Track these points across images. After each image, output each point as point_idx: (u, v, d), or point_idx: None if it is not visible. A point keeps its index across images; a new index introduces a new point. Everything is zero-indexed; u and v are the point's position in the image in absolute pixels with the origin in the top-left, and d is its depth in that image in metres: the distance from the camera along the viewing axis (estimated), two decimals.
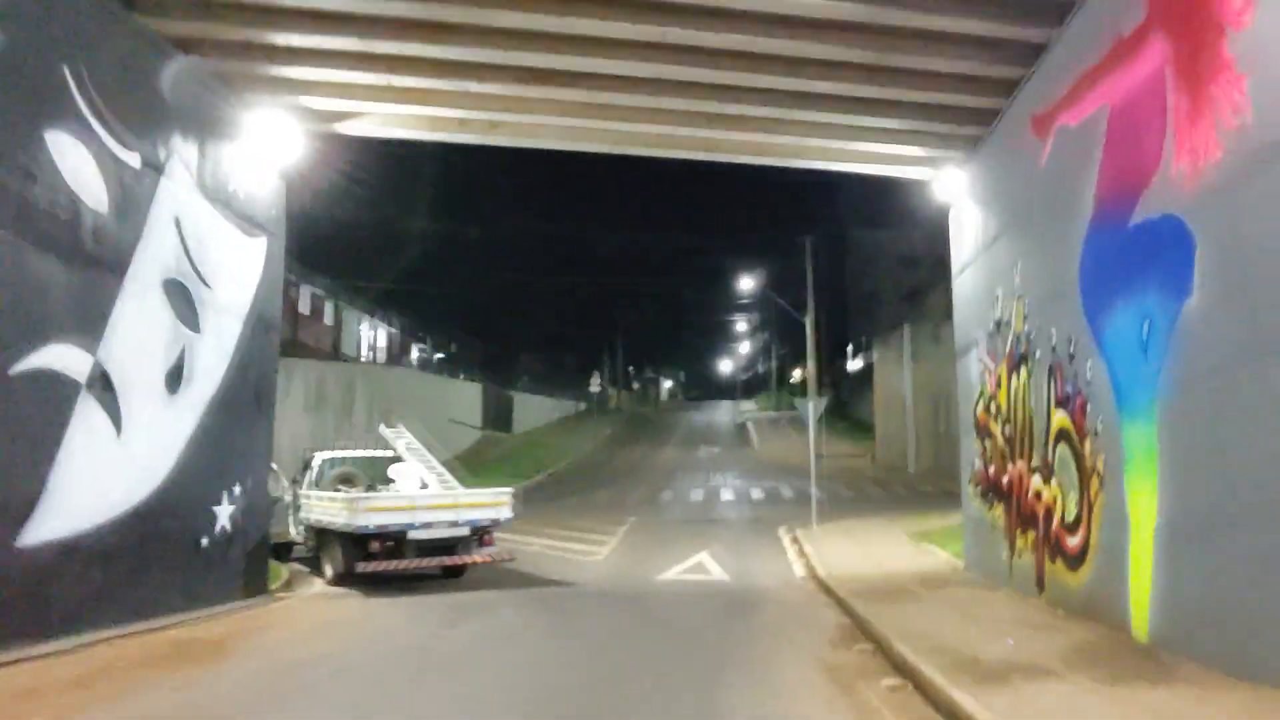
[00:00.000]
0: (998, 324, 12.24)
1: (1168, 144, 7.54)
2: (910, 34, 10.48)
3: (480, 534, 13.58)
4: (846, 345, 61.34)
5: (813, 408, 19.49)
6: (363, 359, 38.27)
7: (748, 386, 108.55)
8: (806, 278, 38.95)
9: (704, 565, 15.43)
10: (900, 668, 7.40)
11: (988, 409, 12.80)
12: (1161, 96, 7.64)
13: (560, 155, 15.90)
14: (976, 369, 13.25)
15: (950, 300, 14.76)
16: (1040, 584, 10.54)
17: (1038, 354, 10.71)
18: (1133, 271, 8.18)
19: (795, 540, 18.09)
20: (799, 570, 14.97)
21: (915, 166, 14.27)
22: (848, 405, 53.45)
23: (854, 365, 59.75)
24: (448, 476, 14.94)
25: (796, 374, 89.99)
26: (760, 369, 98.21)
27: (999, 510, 12.19)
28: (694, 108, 12.38)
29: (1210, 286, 6.95)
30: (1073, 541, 9.62)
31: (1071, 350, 9.65)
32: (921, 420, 33.00)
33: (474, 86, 11.67)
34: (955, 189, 13.99)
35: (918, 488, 29.61)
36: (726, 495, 28.73)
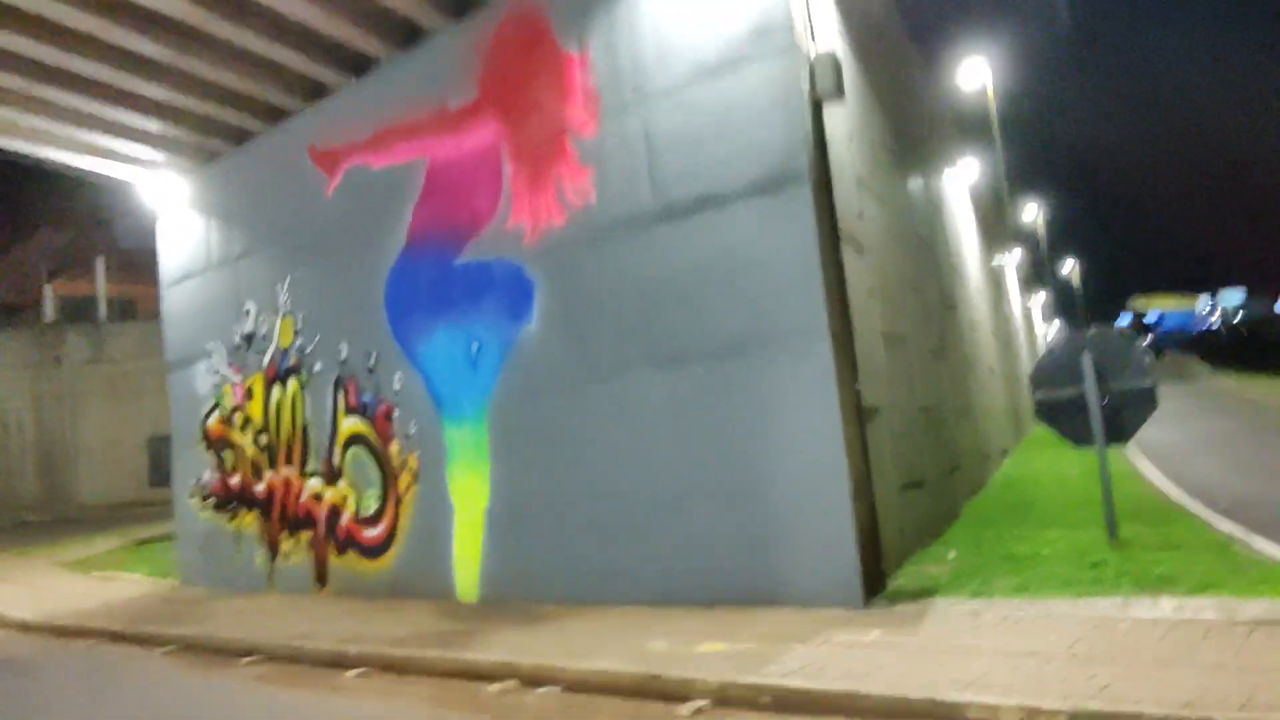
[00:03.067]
0: (248, 338, 12.61)
1: (504, 204, 9.59)
2: (205, 38, 10.35)
3: None
4: None
5: None
6: None
7: None
8: None
9: None
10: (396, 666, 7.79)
11: (227, 420, 12.98)
12: (496, 165, 9.67)
13: None
14: (209, 381, 13.25)
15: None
16: (322, 579, 11.48)
17: (317, 367, 11.62)
18: (460, 301, 9.98)
19: None
20: None
21: (128, 165, 13.44)
22: None
23: None
24: None
25: None
26: None
27: (250, 518, 12.56)
28: None
29: (549, 321, 9.21)
30: (372, 533, 10.90)
31: (372, 364, 10.93)
32: None
33: None
34: (173, 197, 13.70)
35: None
36: None
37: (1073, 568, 7.53)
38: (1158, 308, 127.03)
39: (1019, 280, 34.45)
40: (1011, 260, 29.41)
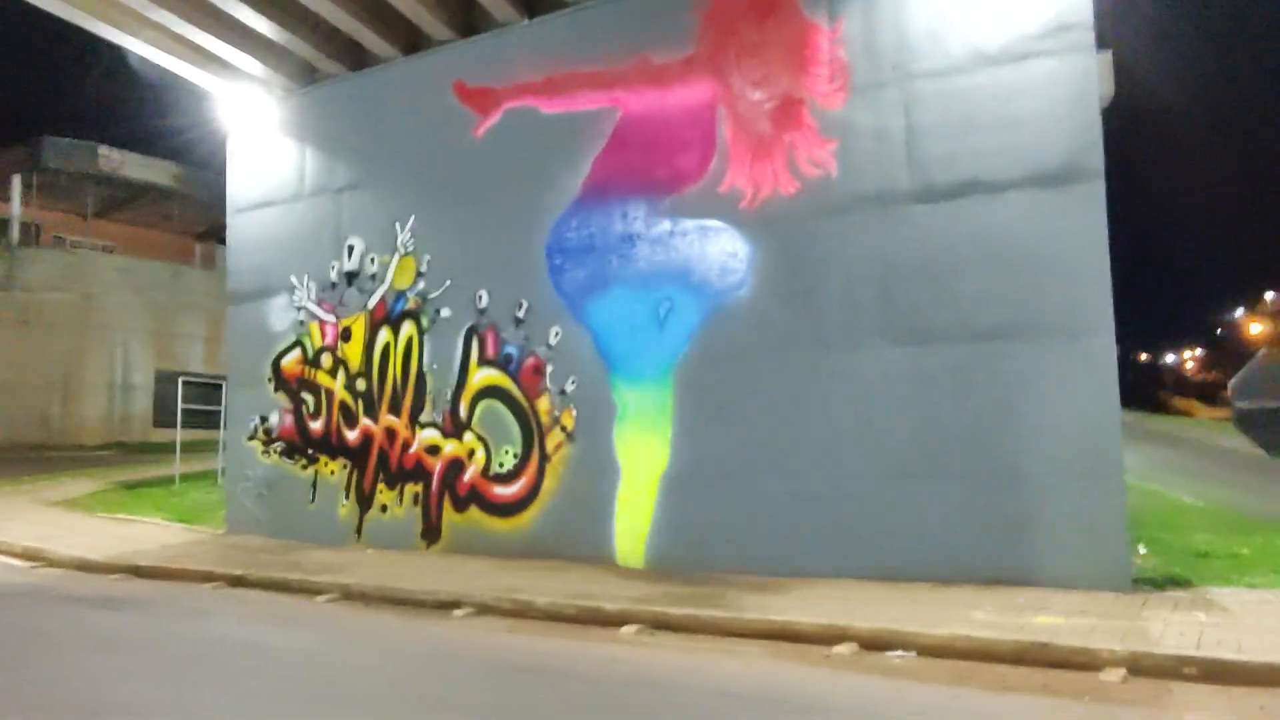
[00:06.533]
0: (349, 275, 11.82)
1: (716, 166, 9.38)
2: None
3: None
4: None
5: None
6: None
7: None
8: None
9: None
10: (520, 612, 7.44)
11: (311, 361, 12.11)
12: (710, 125, 9.45)
13: None
14: (288, 317, 12.32)
15: None
16: (431, 535, 10.88)
17: (444, 313, 11.02)
18: (648, 259, 9.69)
19: None
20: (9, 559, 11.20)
21: (220, 76, 12.35)
22: None
23: None
24: None
25: None
26: None
27: (333, 466, 11.77)
28: None
29: (767, 288, 9.05)
30: (507, 491, 10.43)
31: (521, 315, 10.46)
32: None
33: None
34: (256, 117, 12.68)
35: None
36: None
37: None
38: None
39: None
40: None
